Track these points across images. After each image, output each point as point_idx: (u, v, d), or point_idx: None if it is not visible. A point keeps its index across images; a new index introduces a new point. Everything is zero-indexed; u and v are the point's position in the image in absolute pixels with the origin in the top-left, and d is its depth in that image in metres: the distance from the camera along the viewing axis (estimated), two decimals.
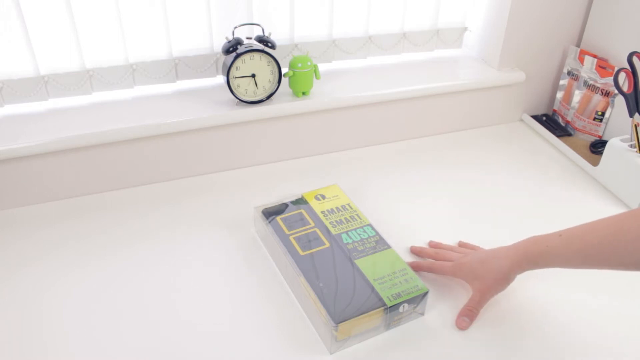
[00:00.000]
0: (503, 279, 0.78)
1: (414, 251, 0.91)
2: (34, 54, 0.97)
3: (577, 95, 1.23)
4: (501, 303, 0.81)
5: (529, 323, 0.80)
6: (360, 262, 0.83)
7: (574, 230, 0.73)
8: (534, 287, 0.84)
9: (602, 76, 1.17)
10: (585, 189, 1.10)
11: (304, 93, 1.10)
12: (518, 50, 1.23)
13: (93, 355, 0.74)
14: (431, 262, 0.87)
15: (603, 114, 1.19)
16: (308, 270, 0.81)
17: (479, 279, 0.80)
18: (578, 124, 1.23)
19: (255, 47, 1.01)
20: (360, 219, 0.91)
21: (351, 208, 0.94)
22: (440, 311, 0.81)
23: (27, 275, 0.86)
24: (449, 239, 0.94)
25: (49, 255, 0.90)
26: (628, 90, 1.05)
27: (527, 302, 0.82)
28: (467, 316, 0.79)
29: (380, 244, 0.86)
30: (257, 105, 1.07)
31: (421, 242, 0.93)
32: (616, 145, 1.06)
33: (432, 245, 0.92)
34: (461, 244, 0.92)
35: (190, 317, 0.80)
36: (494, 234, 0.97)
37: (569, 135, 1.26)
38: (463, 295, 0.83)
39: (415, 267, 0.87)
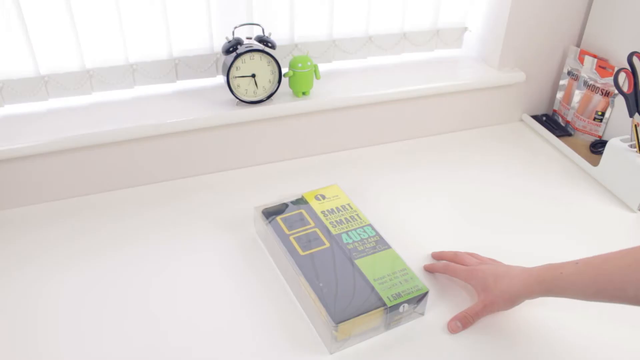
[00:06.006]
0: (509, 300, 0.77)
1: (434, 256, 0.91)
2: (34, 54, 0.97)
3: (577, 96, 1.23)
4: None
5: (529, 333, 0.80)
6: (360, 262, 0.83)
7: (591, 259, 0.70)
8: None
9: (602, 76, 1.17)
10: (585, 189, 1.10)
11: (304, 93, 1.10)
12: (518, 50, 1.23)
13: (90, 357, 0.74)
14: (446, 263, 0.86)
15: (603, 114, 1.19)
16: (308, 270, 0.81)
17: (486, 291, 0.79)
18: (578, 124, 1.23)
19: (255, 47, 1.01)
20: (360, 219, 0.91)
21: (351, 208, 0.94)
22: (440, 311, 0.81)
23: (26, 274, 0.86)
24: (449, 239, 0.94)
25: (49, 255, 0.90)
26: (628, 90, 1.05)
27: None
28: (461, 322, 0.78)
29: (380, 244, 0.86)
30: (257, 105, 1.07)
31: (421, 242, 0.93)
32: (616, 145, 1.06)
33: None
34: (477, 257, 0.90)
35: (190, 317, 0.79)
36: (494, 234, 0.97)
37: (569, 135, 1.26)
38: (463, 296, 0.83)
39: (430, 269, 0.87)
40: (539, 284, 0.73)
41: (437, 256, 0.90)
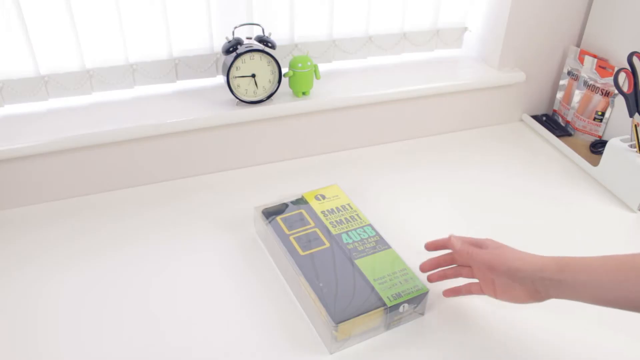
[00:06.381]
0: (513, 270, 0.69)
1: (429, 247, 0.83)
2: (34, 54, 0.97)
3: (577, 96, 1.23)
4: (507, 308, 0.81)
5: (530, 333, 0.80)
6: (361, 262, 0.83)
7: (615, 255, 0.65)
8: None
9: (602, 76, 1.17)
10: (585, 189, 1.10)
11: (304, 93, 1.10)
12: (518, 50, 1.23)
13: (90, 357, 0.74)
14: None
15: (603, 114, 1.19)
16: (308, 270, 0.81)
17: (501, 247, 0.73)
18: (578, 124, 1.23)
19: (255, 47, 1.01)
20: (361, 219, 0.91)
21: (351, 208, 0.94)
22: (440, 311, 0.81)
23: (26, 274, 0.86)
24: None
25: (49, 255, 0.90)
26: (628, 90, 1.05)
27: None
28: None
29: (380, 244, 0.86)
30: (257, 105, 1.07)
31: (421, 242, 0.93)
32: (616, 145, 1.06)
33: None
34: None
35: (190, 316, 0.79)
36: (494, 234, 0.97)
37: (569, 135, 1.26)
38: (464, 296, 0.83)
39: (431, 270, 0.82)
40: (555, 260, 0.67)
41: (432, 246, 0.82)
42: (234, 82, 1.03)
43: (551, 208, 1.04)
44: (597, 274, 0.64)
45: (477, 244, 0.76)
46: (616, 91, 1.09)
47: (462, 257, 0.78)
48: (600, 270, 0.64)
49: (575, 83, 1.24)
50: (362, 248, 0.85)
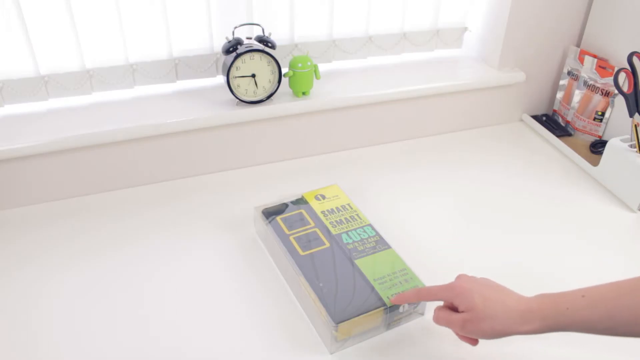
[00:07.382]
0: (501, 332, 0.67)
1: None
2: (34, 54, 0.97)
3: (577, 96, 1.23)
4: None
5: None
6: (361, 262, 0.83)
7: (599, 290, 0.63)
8: None
9: (602, 76, 1.17)
10: (586, 189, 1.10)
11: (304, 93, 1.10)
12: (518, 50, 1.23)
13: (89, 356, 0.74)
14: (417, 288, 0.77)
15: (603, 114, 1.19)
16: (308, 270, 0.81)
17: (473, 311, 0.67)
18: (578, 124, 1.23)
19: (255, 47, 1.01)
20: (361, 219, 0.91)
21: (351, 208, 0.94)
22: None
23: (26, 274, 0.86)
24: (449, 239, 0.94)
25: (49, 255, 0.90)
26: (628, 90, 1.05)
27: None
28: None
29: (380, 244, 0.86)
30: (257, 105, 1.07)
31: (421, 242, 0.93)
32: (616, 145, 1.06)
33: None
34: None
35: (190, 316, 0.80)
36: (494, 234, 0.97)
37: (569, 135, 1.26)
38: None
39: (399, 300, 0.77)
40: (542, 321, 0.64)
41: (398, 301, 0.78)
42: (234, 82, 1.03)
43: (551, 208, 1.04)
44: (592, 322, 0.62)
45: (448, 298, 0.71)
46: (616, 91, 1.09)
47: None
48: (593, 319, 0.62)
49: (575, 83, 1.24)
50: (362, 248, 0.85)
